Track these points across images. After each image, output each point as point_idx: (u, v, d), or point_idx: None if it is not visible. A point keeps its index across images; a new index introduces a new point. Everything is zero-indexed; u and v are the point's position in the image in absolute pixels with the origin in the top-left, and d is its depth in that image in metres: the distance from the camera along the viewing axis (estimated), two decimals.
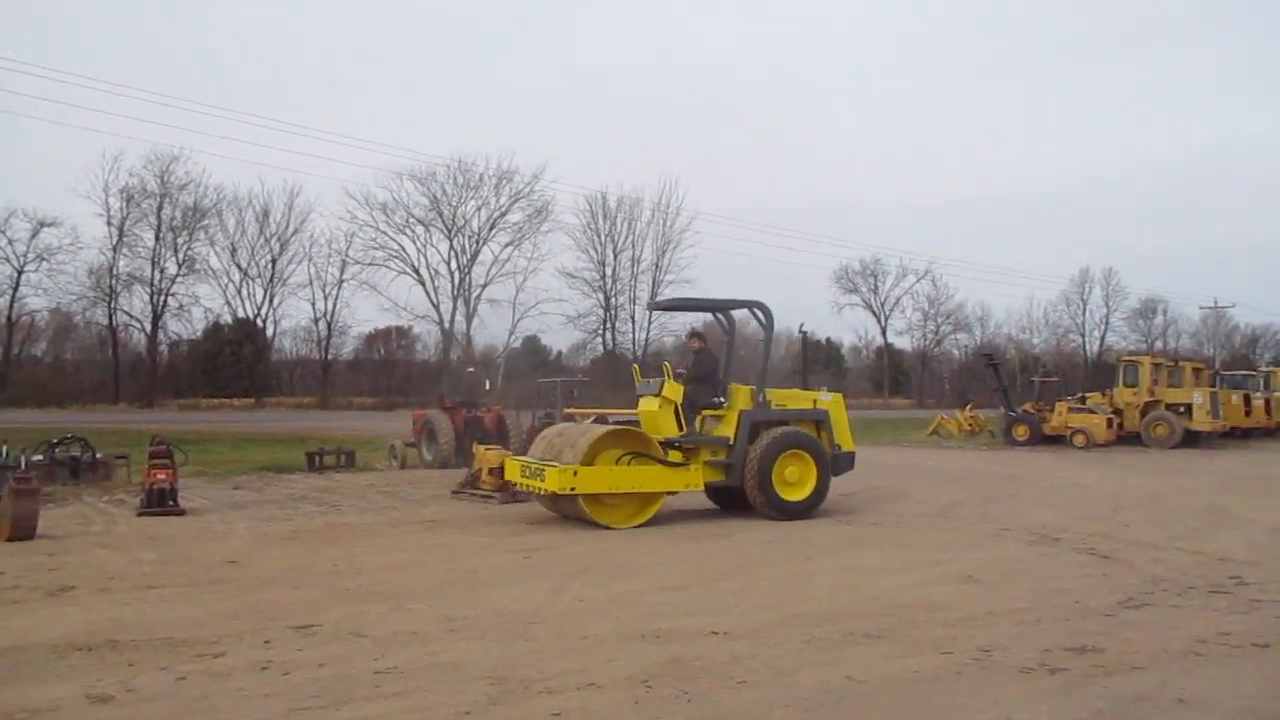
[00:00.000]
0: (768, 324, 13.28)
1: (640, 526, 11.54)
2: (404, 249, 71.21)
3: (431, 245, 71.86)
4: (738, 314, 14.17)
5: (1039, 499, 15.08)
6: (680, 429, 12.39)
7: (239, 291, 72.19)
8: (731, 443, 12.40)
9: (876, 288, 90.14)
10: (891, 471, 20.29)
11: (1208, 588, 8.08)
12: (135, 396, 64.75)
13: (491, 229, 72.00)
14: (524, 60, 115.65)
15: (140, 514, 12.45)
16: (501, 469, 14.36)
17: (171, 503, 12.66)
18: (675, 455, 12.25)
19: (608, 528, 11.31)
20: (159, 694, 5.19)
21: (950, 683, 5.44)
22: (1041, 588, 8.10)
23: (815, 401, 13.61)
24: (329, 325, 73.73)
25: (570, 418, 19.61)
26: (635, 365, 14.72)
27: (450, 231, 71.53)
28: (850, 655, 5.96)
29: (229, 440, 29.89)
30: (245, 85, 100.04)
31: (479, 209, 71.87)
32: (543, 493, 11.65)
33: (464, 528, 11.70)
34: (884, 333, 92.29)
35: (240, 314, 72.30)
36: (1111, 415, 29.63)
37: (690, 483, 12.07)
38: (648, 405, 12.67)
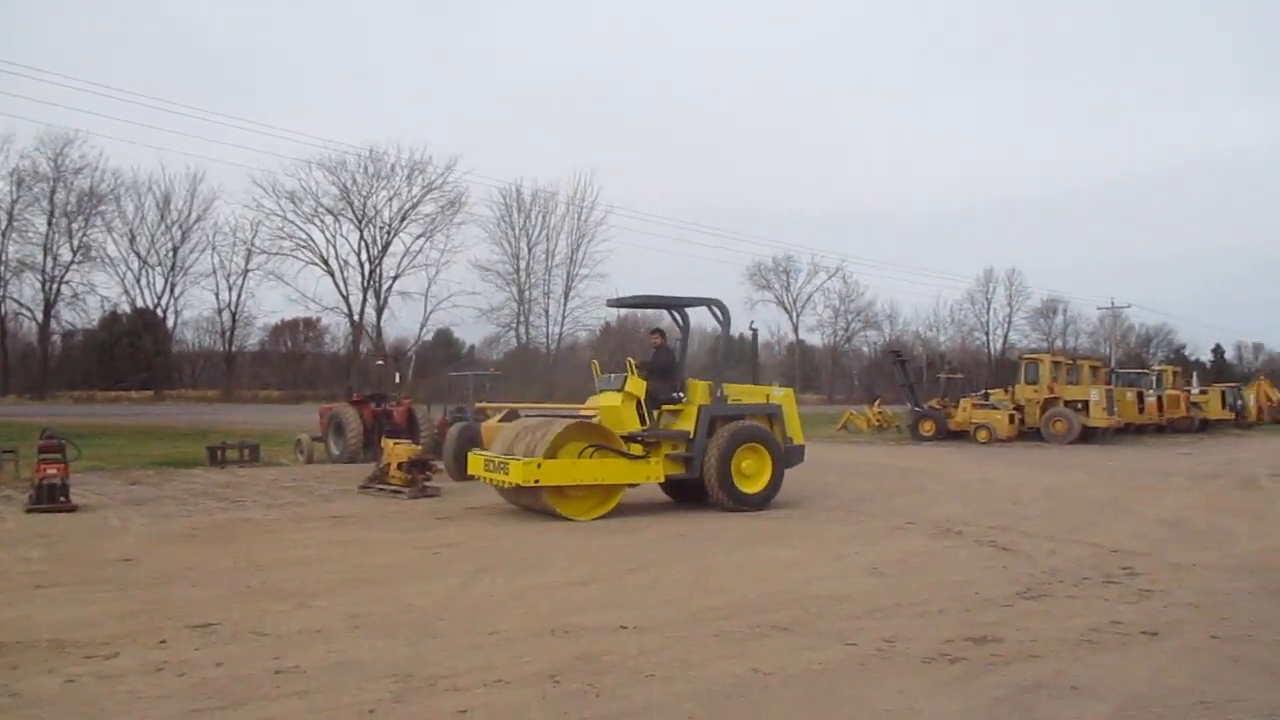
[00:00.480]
0: (725, 321, 13.62)
1: (602, 518, 11.83)
2: (312, 239, 69.71)
3: (341, 236, 70.51)
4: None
5: (943, 493, 15.44)
6: (642, 423, 12.61)
7: (138, 280, 69.97)
8: (691, 436, 12.66)
9: (789, 285, 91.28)
10: (800, 466, 20.51)
11: (1101, 578, 8.37)
12: (25, 388, 62.32)
13: (403, 220, 70.91)
14: (439, 52, 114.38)
15: (29, 510, 11.95)
16: (411, 463, 14.20)
17: (63, 499, 12.17)
18: (637, 449, 12.41)
19: (570, 519, 11.56)
20: (46, 698, 4.98)
21: (854, 673, 5.52)
22: (944, 580, 8.29)
23: (768, 396, 13.97)
24: (233, 316, 71.94)
25: (482, 412, 19.45)
26: (594, 361, 14.86)
27: (361, 222, 70.22)
28: (757, 648, 6.01)
29: (127, 434, 28.91)
30: (148, 68, 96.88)
31: (390, 199, 70.71)
32: (506, 486, 11.71)
33: (371, 523, 11.50)
34: (795, 329, 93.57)
35: (139, 303, 70.07)
36: (1013, 411, 30.54)
37: (651, 475, 12.35)
38: (609, 400, 12.79)
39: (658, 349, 13.40)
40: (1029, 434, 30.51)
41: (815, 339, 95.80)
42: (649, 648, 5.99)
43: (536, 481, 11.40)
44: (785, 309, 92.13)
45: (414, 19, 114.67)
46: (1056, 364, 32.35)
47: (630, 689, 5.19)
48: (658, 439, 12.62)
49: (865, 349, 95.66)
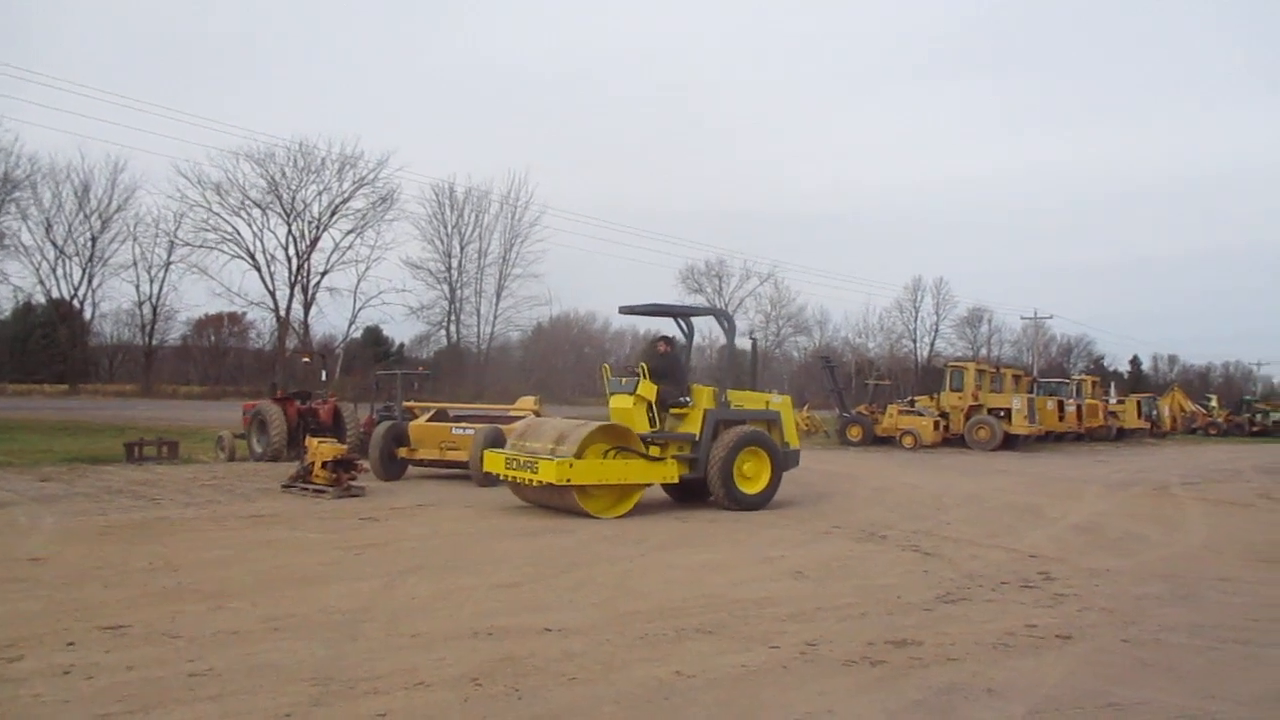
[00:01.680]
0: (729, 331, 14.59)
1: (624, 517, 12.26)
2: (238, 232, 67.93)
3: (268, 229, 68.85)
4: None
5: (869, 498, 15.65)
6: (651, 425, 13.17)
7: (54, 270, 67.42)
8: (697, 439, 13.25)
9: (721, 288, 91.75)
10: None
11: (1019, 583, 8.55)
12: None
13: (333, 215, 69.50)
14: (373, 47, 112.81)
15: None
16: (336, 462, 13.99)
17: None
18: (655, 450, 12.99)
19: (595, 517, 12.01)
20: None
21: (777, 676, 5.56)
22: (867, 583, 8.40)
23: (768, 403, 14.51)
24: (154, 309, 69.85)
25: (410, 411, 19.22)
26: (605, 365, 15.41)
27: (289, 216, 68.66)
28: (681, 651, 6.03)
29: (39, 429, 27.97)
30: (68, 52, 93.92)
31: (320, 194, 69.22)
32: (535, 484, 12.01)
33: (294, 523, 11.29)
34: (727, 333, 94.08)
35: (55, 294, 67.72)
36: (938, 418, 31.13)
37: (667, 476, 12.90)
38: (621, 403, 13.37)
39: (663, 355, 13.83)
40: (953, 440, 31.12)
41: (745, 343, 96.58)
42: (573, 650, 5.97)
43: (568, 481, 11.78)
44: None
45: (349, 12, 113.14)
46: (981, 372, 33.02)
47: (552, 691, 5.17)
48: (665, 440, 13.17)
49: (795, 354, 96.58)
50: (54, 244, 66.45)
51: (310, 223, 69.19)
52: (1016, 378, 34.62)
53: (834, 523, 12.32)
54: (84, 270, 67.56)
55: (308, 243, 69.25)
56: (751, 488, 13.40)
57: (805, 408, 38.60)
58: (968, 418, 31.29)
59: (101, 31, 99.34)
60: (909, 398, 35.89)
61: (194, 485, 14.91)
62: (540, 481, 11.93)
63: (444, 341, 73.55)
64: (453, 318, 73.82)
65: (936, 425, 30.69)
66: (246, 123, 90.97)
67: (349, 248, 69.80)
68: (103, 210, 67.02)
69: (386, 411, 20.51)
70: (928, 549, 10.36)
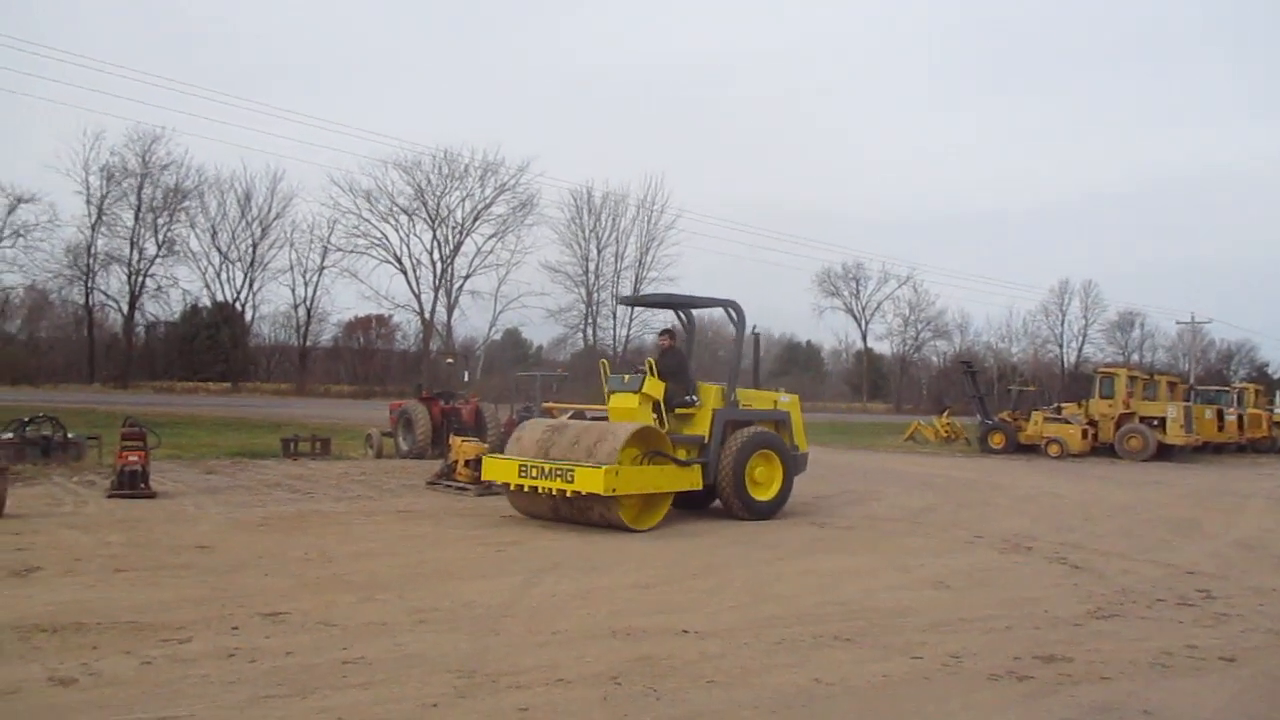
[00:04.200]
0: (740, 323, 13.21)
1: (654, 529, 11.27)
2: (386, 237, 70.94)
3: (414, 235, 71.63)
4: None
5: (1012, 507, 15.16)
6: (660, 427, 12.01)
7: (218, 275, 71.68)
8: (706, 442, 12.29)
9: (858, 292, 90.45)
10: (866, 475, 20.36)
11: (1176, 600, 8.14)
12: (110, 377, 64.19)
13: (475, 220, 71.84)
14: (513, 54, 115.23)
15: (110, 496, 12.33)
16: (477, 461, 14.35)
17: (143, 485, 12.55)
18: (682, 454, 11.96)
19: (635, 530, 10.96)
20: (122, 678, 5.13)
21: (919, 688, 5.45)
22: (1012, 596, 8.14)
23: (776, 402, 13.57)
24: (308, 312, 73.39)
25: (548, 412, 19.58)
26: (603, 360, 14.20)
27: (434, 221, 71.26)
28: (819, 658, 5.97)
29: (204, 424, 29.66)
30: (231, 68, 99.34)
31: (463, 200, 71.69)
32: (567, 494, 10.71)
33: (437, 519, 11.65)
34: (864, 337, 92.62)
35: (219, 298, 71.82)
36: (1086, 426, 29.87)
37: (694, 482, 11.79)
38: (624, 402, 12.31)
39: (667, 350, 12.88)
40: (1102, 450, 29.81)
41: (884, 347, 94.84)
42: (710, 653, 5.98)
43: (614, 490, 10.54)
44: (854, 316, 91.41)
45: (490, 22, 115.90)
46: (1133, 379, 31.53)
47: (691, 693, 5.19)
48: (673, 444, 12.00)
49: (935, 359, 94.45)
50: (219, 250, 70.63)
51: (454, 228, 71.64)
52: (1171, 385, 32.92)
53: (975, 532, 11.98)
54: (245, 275, 71.55)
55: (451, 247, 71.67)
56: (763, 494, 12.42)
57: (945, 414, 37.64)
58: (1118, 426, 29.93)
59: (259, 48, 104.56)
60: (1055, 404, 34.55)
61: (345, 480, 15.56)
62: (577, 492, 10.61)
63: (581, 344, 74.72)
64: (590, 320, 74.97)
65: (1084, 433, 29.48)
66: (395, 131, 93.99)
67: (490, 252, 72.00)
68: (263, 218, 70.89)
69: (526, 412, 20.95)
70: (1076, 562, 9.97)
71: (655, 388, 12.16)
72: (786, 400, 13.71)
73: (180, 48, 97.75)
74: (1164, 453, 29.06)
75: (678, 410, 12.50)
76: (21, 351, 64.40)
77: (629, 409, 12.18)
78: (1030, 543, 11.19)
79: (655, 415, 12.11)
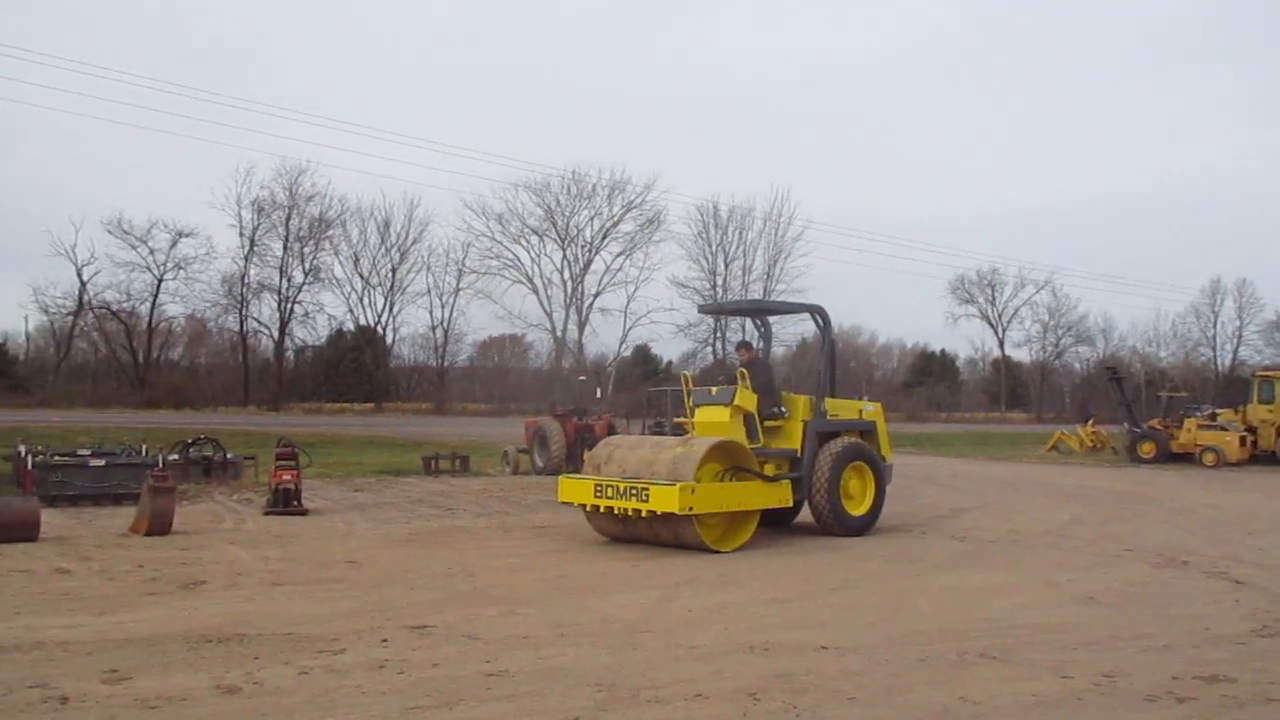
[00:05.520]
0: (825, 328, 12.90)
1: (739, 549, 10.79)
2: (518, 258, 72.41)
3: (545, 255, 72.95)
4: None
5: (1165, 519, 14.47)
6: (753, 441, 11.62)
7: (361, 300, 74.32)
8: (799, 454, 11.87)
9: (994, 298, 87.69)
10: (1006, 487, 19.76)
11: None
12: (263, 400, 67.22)
13: (604, 239, 72.73)
14: (637, 73, 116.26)
15: (266, 513, 12.97)
16: None
17: (296, 503, 13.16)
18: (770, 468, 11.53)
19: (716, 551, 10.46)
20: (283, 687, 5.39)
21: (1071, 708, 5.26)
22: (1168, 612, 7.78)
23: (861, 411, 13.06)
24: (445, 333, 75.43)
25: (681, 427, 19.63)
26: (685, 373, 13.73)
27: (563, 241, 72.47)
28: (965, 676, 5.83)
29: (350, 443, 30.82)
30: (368, 99, 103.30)
31: (592, 219, 72.65)
32: (642, 514, 10.29)
33: (574, 535, 11.83)
34: (1001, 344, 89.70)
35: (362, 321, 74.48)
36: (1245, 433, 28.27)
37: (783, 499, 11.28)
38: (713, 416, 11.80)
39: (750, 362, 12.32)
40: (1263, 458, 28.12)
41: (1023, 355, 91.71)
42: (850, 669, 5.91)
43: (691, 509, 10.03)
44: (990, 324, 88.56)
45: (616, 39, 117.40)
46: None
47: (831, 710, 5.14)
48: (765, 458, 11.56)
49: (1077, 365, 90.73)
50: (361, 275, 73.26)
51: (583, 247, 72.69)
52: None
53: (1126, 545, 11.48)
54: (386, 299, 73.99)
55: (581, 266, 72.71)
56: (857, 509, 11.97)
57: (1090, 422, 36.15)
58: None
59: (394, 80, 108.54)
60: (1209, 411, 32.78)
61: (484, 496, 15.97)
62: (652, 511, 10.16)
63: (710, 358, 74.66)
64: (718, 335, 74.83)
65: (1243, 441, 27.87)
66: (524, 155, 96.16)
67: (619, 269, 72.75)
68: (401, 243, 73.20)
69: (658, 427, 21.03)
70: (1238, 577, 9.45)
71: (748, 399, 11.66)
72: (871, 409, 13.21)
73: (319, 81, 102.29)
74: None
75: (766, 423, 12.03)
76: (184, 378, 68.12)
77: (719, 423, 11.63)
78: (1186, 556, 10.66)
79: (747, 429, 11.70)
